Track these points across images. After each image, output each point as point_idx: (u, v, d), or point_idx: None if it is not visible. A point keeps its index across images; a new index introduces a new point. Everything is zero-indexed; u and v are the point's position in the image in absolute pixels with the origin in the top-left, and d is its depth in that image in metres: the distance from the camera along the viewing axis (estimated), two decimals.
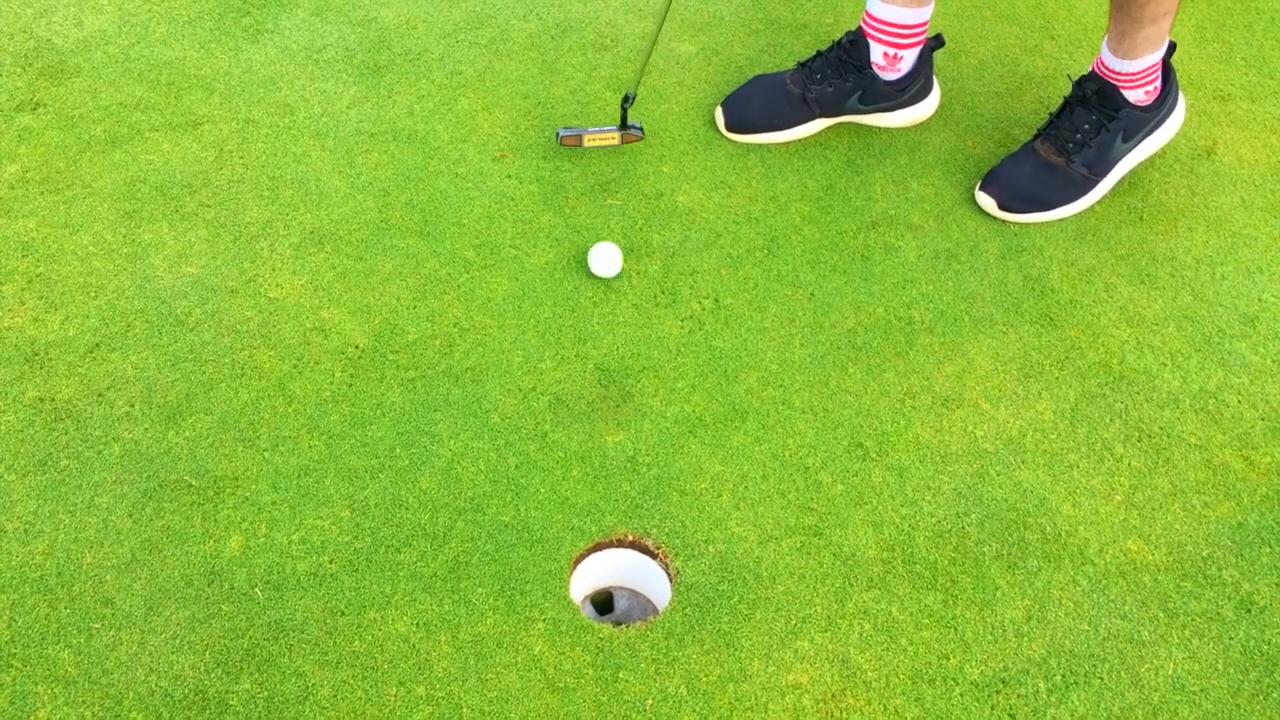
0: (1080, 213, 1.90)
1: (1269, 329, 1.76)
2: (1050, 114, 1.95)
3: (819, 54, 2.02)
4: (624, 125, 1.98)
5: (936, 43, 2.00)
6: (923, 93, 2.03)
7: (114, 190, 1.90)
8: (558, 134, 1.95)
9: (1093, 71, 1.89)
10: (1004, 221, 1.90)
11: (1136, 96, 1.87)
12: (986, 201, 1.91)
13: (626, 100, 1.95)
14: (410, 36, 2.23)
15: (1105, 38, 1.86)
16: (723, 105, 2.03)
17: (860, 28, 1.97)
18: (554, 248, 1.85)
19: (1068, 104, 1.91)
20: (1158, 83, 1.87)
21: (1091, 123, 1.87)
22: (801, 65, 2.02)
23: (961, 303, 1.79)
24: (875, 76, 1.97)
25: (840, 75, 1.97)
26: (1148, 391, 1.68)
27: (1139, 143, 1.90)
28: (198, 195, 1.90)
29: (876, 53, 1.96)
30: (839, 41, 2.00)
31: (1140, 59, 1.82)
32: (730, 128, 2.00)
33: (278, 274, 1.79)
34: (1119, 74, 1.85)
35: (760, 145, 1.99)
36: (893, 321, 1.76)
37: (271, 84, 2.11)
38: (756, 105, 2.00)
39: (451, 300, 1.77)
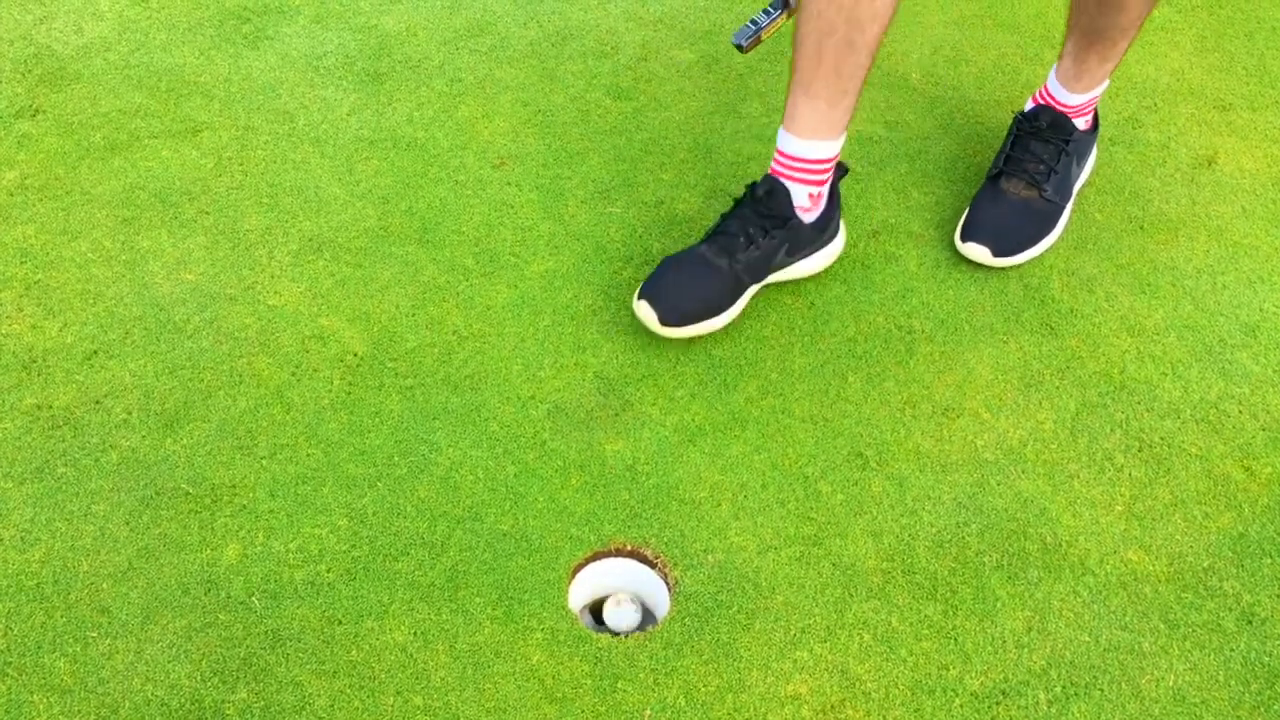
0: (1059, 237, 1.89)
1: (1270, 339, 1.76)
2: (1001, 153, 1.91)
3: (728, 216, 1.74)
4: (785, 4, 1.88)
5: (843, 171, 1.78)
6: (836, 227, 1.80)
7: (113, 197, 1.90)
8: (737, 43, 1.76)
9: (1043, 105, 1.90)
10: (997, 268, 1.85)
11: (1080, 124, 1.92)
12: (978, 252, 1.82)
13: None
14: (410, 44, 2.22)
15: (1055, 71, 1.89)
16: (647, 299, 1.67)
17: (773, 172, 1.72)
18: (553, 255, 1.85)
19: (1019, 138, 1.90)
20: (1093, 112, 1.94)
21: (1050, 152, 1.87)
22: (717, 231, 1.73)
23: (962, 312, 1.79)
24: (800, 223, 1.73)
25: (765, 233, 1.70)
26: (1148, 401, 1.68)
27: (1084, 165, 1.95)
28: (197, 202, 1.90)
29: (800, 195, 1.72)
30: (750, 195, 1.73)
31: (1092, 91, 1.87)
32: (665, 323, 1.66)
33: (276, 281, 1.79)
34: (1071, 106, 1.88)
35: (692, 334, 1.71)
36: (893, 330, 1.76)
37: (271, 91, 2.11)
38: (686, 292, 1.68)
39: (450, 308, 1.76)
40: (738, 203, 1.75)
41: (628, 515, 1.53)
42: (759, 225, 1.70)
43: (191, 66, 2.15)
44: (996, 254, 1.83)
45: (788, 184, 1.71)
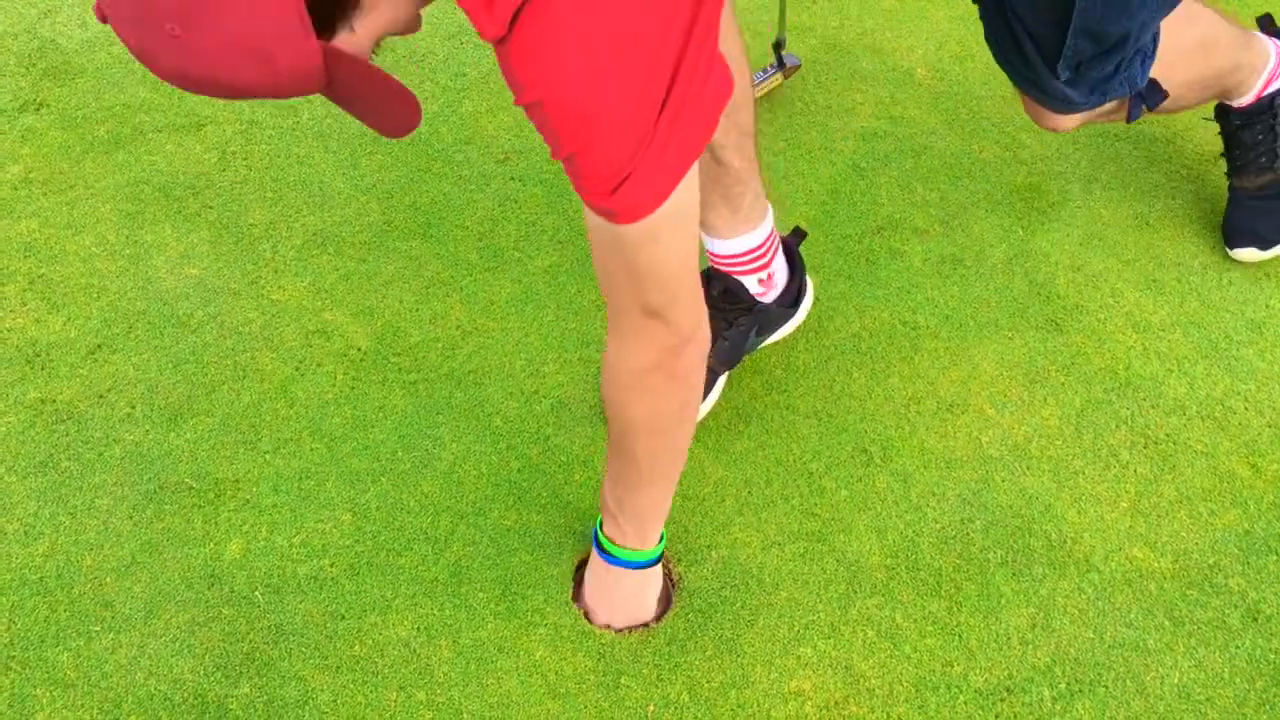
0: None
1: (1276, 335, 1.75)
2: (1223, 156, 1.89)
3: None
4: (781, 64, 2.00)
5: (797, 237, 1.71)
6: (803, 289, 1.72)
7: (117, 191, 1.90)
8: None
9: (1226, 109, 1.85)
10: (1268, 260, 1.85)
11: (1267, 96, 1.83)
12: (1247, 254, 1.83)
13: (779, 45, 1.96)
14: (414, 38, 2.22)
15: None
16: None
17: (714, 270, 1.64)
18: (557, 250, 1.85)
19: (1229, 138, 1.86)
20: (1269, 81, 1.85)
21: (1264, 133, 1.83)
22: None
23: (967, 308, 1.78)
24: (764, 306, 1.65)
25: (730, 324, 1.62)
26: (1154, 398, 1.67)
27: None
28: (200, 197, 1.90)
29: (752, 283, 1.63)
30: (706, 294, 1.61)
31: (1254, 89, 1.80)
32: None
33: (280, 276, 1.78)
34: (1246, 104, 1.82)
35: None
36: (897, 326, 1.76)
37: None
38: None
39: (454, 303, 1.76)
40: None
41: None
42: (724, 318, 1.61)
43: None
44: (1265, 248, 1.83)
45: (736, 279, 1.62)
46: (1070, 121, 1.55)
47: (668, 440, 1.29)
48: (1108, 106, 1.53)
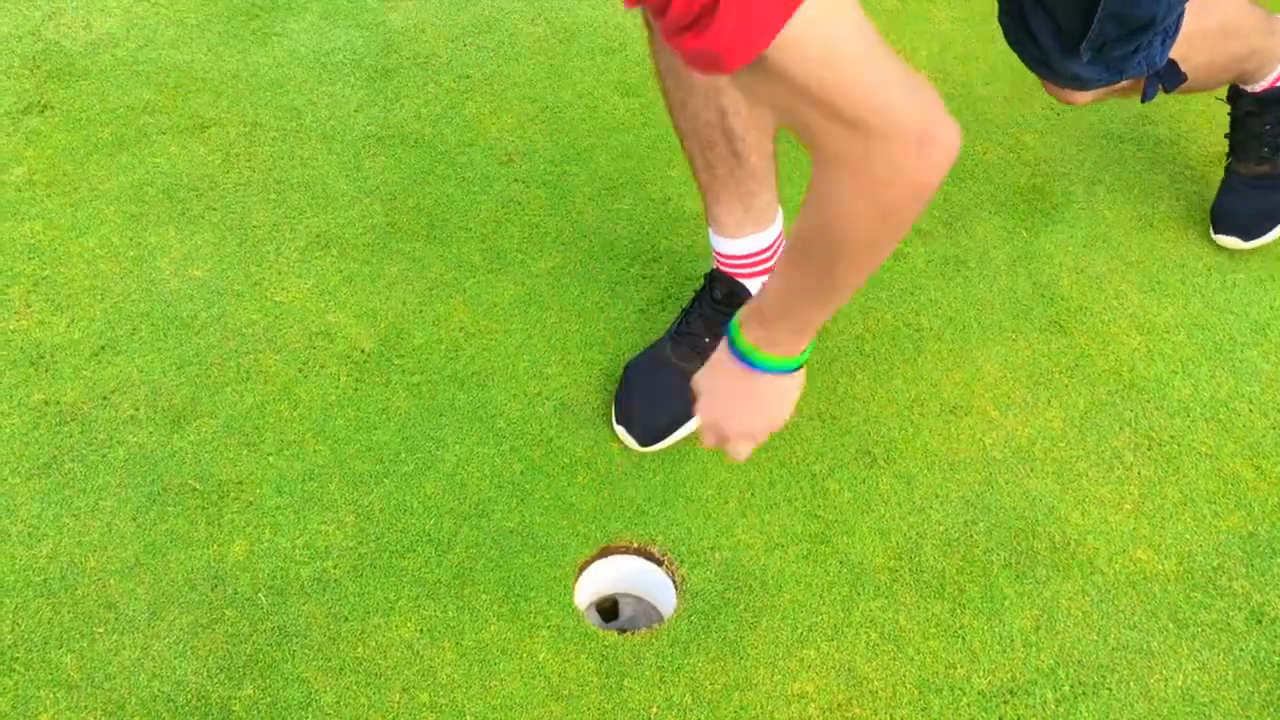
0: None
1: None
2: (1226, 137, 1.89)
3: (690, 314, 1.65)
4: None
5: None
6: None
7: (121, 193, 1.90)
8: None
9: (1240, 92, 1.84)
10: (1252, 250, 1.85)
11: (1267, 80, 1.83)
12: (1230, 242, 1.84)
13: None
14: (418, 40, 2.22)
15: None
16: (622, 424, 1.60)
17: (719, 270, 1.62)
18: (561, 252, 1.85)
19: (1236, 121, 1.86)
20: None
21: (1272, 124, 1.83)
22: (681, 332, 1.64)
23: (970, 310, 1.78)
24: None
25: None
26: (1158, 400, 1.67)
27: None
28: (204, 198, 1.90)
29: (755, 287, 1.61)
30: (707, 295, 1.63)
31: (1271, 75, 1.79)
32: (645, 443, 1.59)
33: (284, 278, 1.79)
34: (1261, 89, 1.81)
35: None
36: (900, 328, 1.76)
37: (279, 87, 2.11)
38: (658, 406, 1.59)
39: (458, 305, 1.76)
40: (697, 297, 1.65)
41: (634, 513, 1.53)
42: (724, 322, 1.54)
43: (199, 63, 2.15)
44: (1247, 239, 1.83)
45: (739, 281, 1.61)
46: (1084, 97, 1.54)
47: (881, 257, 1.11)
48: (1124, 84, 1.52)
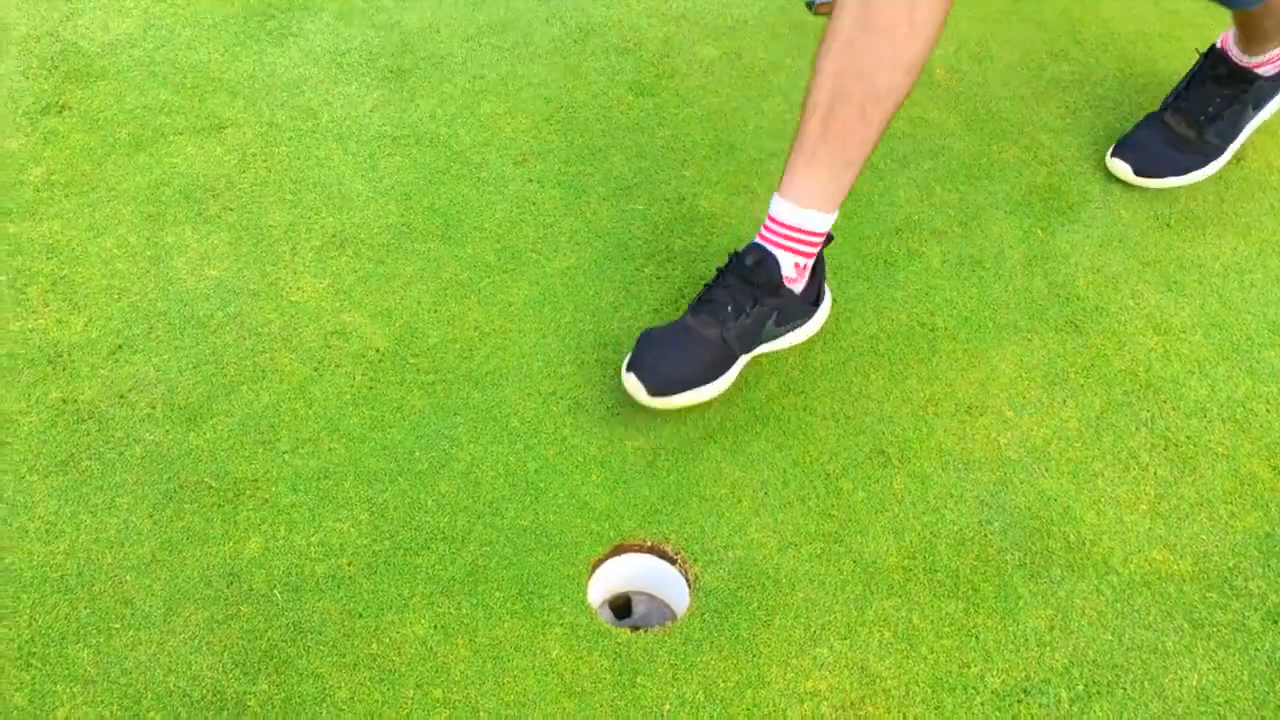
0: (1205, 179, 1.94)
1: None
2: (1179, 85, 1.93)
3: (713, 286, 1.64)
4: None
5: (828, 240, 1.67)
6: (821, 295, 1.71)
7: (138, 193, 1.91)
8: (811, 4, 1.77)
9: (1222, 54, 1.88)
10: (1138, 187, 1.91)
11: (1266, 72, 1.89)
12: (1121, 168, 1.89)
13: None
14: (433, 40, 2.23)
15: (1229, 33, 1.90)
16: (634, 371, 1.58)
17: (762, 241, 1.63)
18: (575, 252, 1.85)
19: (1197, 78, 1.90)
20: None
21: (1224, 96, 1.87)
22: (702, 301, 1.63)
23: (986, 309, 1.78)
24: (791, 293, 1.64)
25: (755, 301, 1.61)
26: (1174, 400, 1.66)
27: (1264, 109, 1.94)
28: (221, 198, 1.91)
29: (788, 265, 1.62)
30: (739, 262, 1.63)
31: (1269, 51, 1.84)
32: (655, 391, 1.56)
33: (299, 277, 1.79)
34: (1250, 64, 1.86)
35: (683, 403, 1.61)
36: (915, 328, 1.75)
37: (295, 87, 2.12)
38: (674, 360, 1.58)
39: (472, 304, 1.77)
40: (721, 272, 1.65)
41: (648, 511, 1.53)
42: (748, 294, 1.60)
43: (216, 63, 2.17)
44: (1138, 173, 1.87)
45: (776, 252, 1.61)
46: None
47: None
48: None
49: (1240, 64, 1.86)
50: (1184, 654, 1.40)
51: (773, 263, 1.61)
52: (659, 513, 1.53)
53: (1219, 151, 1.93)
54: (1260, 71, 1.90)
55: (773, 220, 1.62)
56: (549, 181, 1.96)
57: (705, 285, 1.67)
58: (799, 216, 1.60)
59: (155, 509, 1.51)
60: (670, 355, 1.58)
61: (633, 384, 1.57)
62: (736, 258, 1.64)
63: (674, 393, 1.57)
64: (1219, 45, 1.93)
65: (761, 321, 1.62)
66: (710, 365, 1.58)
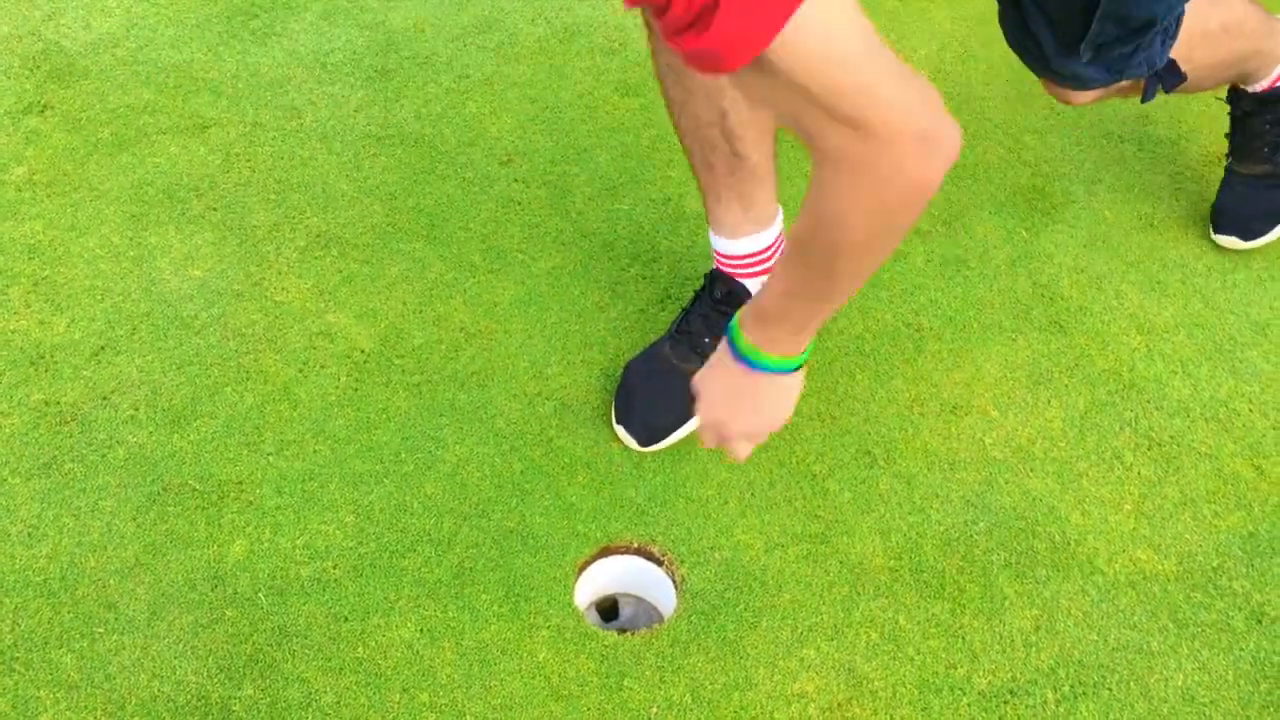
0: None
1: None
2: (1226, 136, 1.88)
3: (690, 313, 1.64)
4: None
5: None
6: None
7: (121, 193, 1.90)
8: None
9: (1238, 93, 1.83)
10: (1252, 249, 1.85)
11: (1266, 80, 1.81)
12: (1230, 241, 1.83)
13: None
14: (418, 40, 2.22)
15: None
16: (624, 425, 1.60)
17: (719, 270, 1.62)
18: (561, 252, 1.85)
19: (1238, 123, 1.85)
20: None
21: (1271, 124, 1.82)
22: (680, 331, 1.63)
23: (970, 309, 1.78)
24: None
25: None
26: (1158, 400, 1.67)
27: None
28: (204, 198, 1.90)
29: (754, 287, 1.61)
30: (707, 295, 1.63)
31: (1265, 76, 1.78)
32: (645, 443, 1.59)
33: (284, 277, 1.79)
34: (1265, 88, 1.80)
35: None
36: (900, 328, 1.76)
37: (279, 87, 2.11)
38: (658, 406, 1.59)
39: (457, 305, 1.76)
40: (697, 297, 1.65)
41: (634, 512, 1.53)
42: (724, 321, 1.57)
43: (199, 62, 2.15)
44: (1248, 239, 1.83)
45: (739, 280, 1.61)
46: (1083, 97, 1.53)
47: (881, 256, 1.11)
48: (1124, 84, 1.51)
49: (1258, 91, 1.81)
50: (1169, 654, 1.40)
51: (739, 288, 1.61)
52: (646, 514, 1.52)
53: None
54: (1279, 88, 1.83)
55: (718, 255, 1.61)
56: (534, 182, 1.96)
57: (683, 310, 1.66)
58: (738, 245, 1.59)
59: (139, 512, 1.50)
60: (656, 404, 1.59)
61: (624, 435, 1.59)
62: (705, 291, 1.64)
63: (663, 438, 1.59)
64: (1232, 86, 1.87)
65: None
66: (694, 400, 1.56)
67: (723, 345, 1.27)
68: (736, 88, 0.98)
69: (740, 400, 1.28)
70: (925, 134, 0.94)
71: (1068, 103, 1.56)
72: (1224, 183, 1.88)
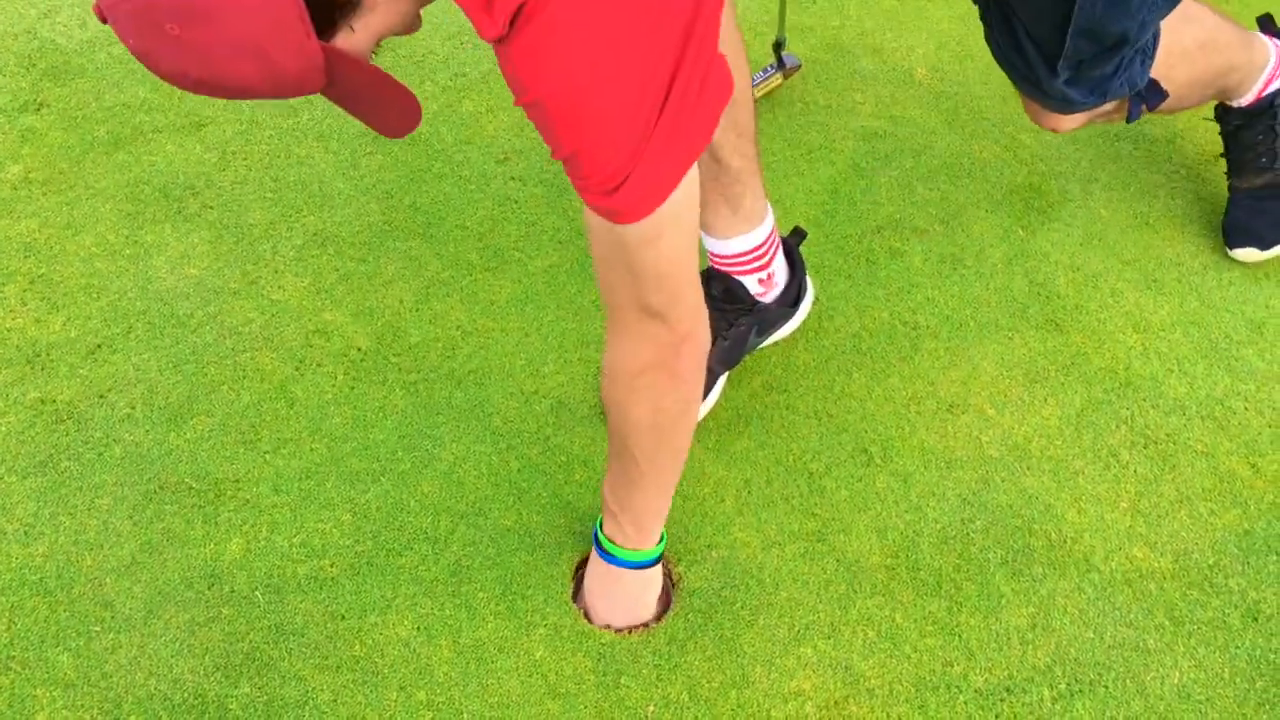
0: None
1: (1276, 335, 1.75)
2: (1223, 156, 1.88)
3: None
4: (781, 65, 2.06)
5: (797, 237, 1.70)
6: (802, 292, 1.71)
7: (117, 191, 1.90)
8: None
9: (1225, 110, 1.83)
10: (1268, 260, 1.85)
11: (1271, 90, 1.81)
12: (1247, 254, 1.82)
13: (779, 45, 2.01)
14: (414, 38, 2.22)
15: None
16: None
17: (714, 270, 1.63)
18: (557, 250, 1.84)
19: (1229, 140, 1.85)
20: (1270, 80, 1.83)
21: (1264, 134, 1.82)
22: None
23: (967, 308, 1.78)
24: (765, 306, 1.65)
25: (732, 324, 1.62)
26: (1154, 398, 1.67)
27: None
28: (201, 197, 1.90)
29: (752, 283, 1.63)
30: (705, 293, 1.61)
31: (1249, 91, 1.78)
32: None
33: (280, 276, 1.78)
34: (1251, 101, 1.80)
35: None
36: (897, 326, 1.76)
37: None
38: None
39: (454, 303, 1.76)
40: None
41: None
42: (723, 318, 1.61)
43: None
44: (1265, 248, 1.82)
45: (736, 278, 1.62)
46: (1070, 122, 1.55)
47: (668, 440, 1.29)
48: (1107, 107, 1.53)
49: (1243, 105, 1.81)
50: (1165, 651, 1.41)
51: (736, 285, 1.62)
52: None
53: None
54: (1268, 94, 1.83)
55: (713, 255, 1.62)
56: (531, 180, 1.96)
57: None
58: (731, 245, 1.59)
59: (135, 510, 1.50)
60: None
61: None
62: (704, 289, 1.62)
63: None
64: (1219, 104, 1.87)
65: (741, 340, 1.63)
66: None
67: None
68: (590, 237, 1.15)
69: (603, 592, 1.42)
70: (697, 336, 1.21)
71: (1053, 129, 1.57)
72: (1230, 201, 1.88)
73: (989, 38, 1.50)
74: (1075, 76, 1.44)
